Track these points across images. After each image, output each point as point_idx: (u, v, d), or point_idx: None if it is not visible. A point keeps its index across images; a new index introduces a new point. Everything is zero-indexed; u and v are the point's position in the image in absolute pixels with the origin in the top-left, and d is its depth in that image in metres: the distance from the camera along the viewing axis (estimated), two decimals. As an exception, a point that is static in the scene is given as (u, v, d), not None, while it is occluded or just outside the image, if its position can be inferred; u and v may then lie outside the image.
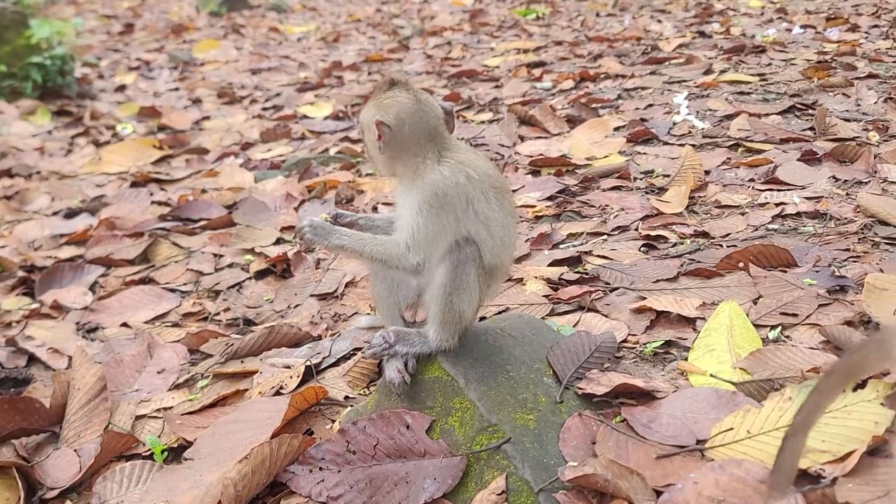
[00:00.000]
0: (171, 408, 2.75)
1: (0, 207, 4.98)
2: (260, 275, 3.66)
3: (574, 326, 2.68)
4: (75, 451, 2.59)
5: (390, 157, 2.23)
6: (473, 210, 2.19)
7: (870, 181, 3.64)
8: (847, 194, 3.55)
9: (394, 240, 2.21)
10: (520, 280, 3.08)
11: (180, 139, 6.22)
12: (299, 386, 2.68)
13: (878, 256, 2.94)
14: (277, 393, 2.69)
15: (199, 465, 2.43)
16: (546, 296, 2.95)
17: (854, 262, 2.92)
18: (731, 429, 2.04)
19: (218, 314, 3.39)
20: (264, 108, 7.10)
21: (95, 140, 6.53)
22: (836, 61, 6.00)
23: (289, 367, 2.82)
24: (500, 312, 2.79)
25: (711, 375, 2.28)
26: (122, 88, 8.48)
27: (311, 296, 3.38)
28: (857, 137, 4.21)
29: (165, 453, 2.52)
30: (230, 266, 3.79)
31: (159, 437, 2.61)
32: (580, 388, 2.27)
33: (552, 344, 2.39)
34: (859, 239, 3.08)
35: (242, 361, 2.96)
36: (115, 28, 12.24)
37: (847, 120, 4.52)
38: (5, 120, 7.00)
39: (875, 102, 4.83)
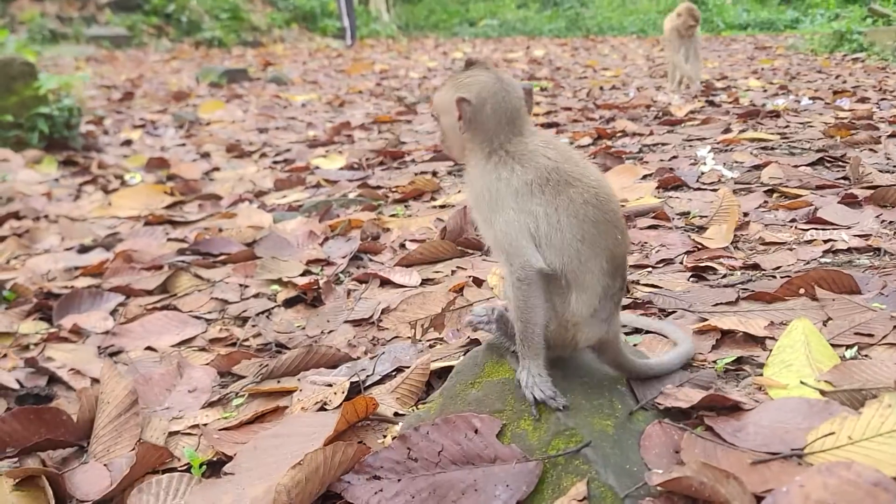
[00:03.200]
0: (205, 425, 2.59)
1: (10, 244, 4.84)
2: (289, 303, 3.52)
3: (635, 346, 2.55)
4: (105, 465, 2.43)
5: (470, 140, 2.10)
6: (520, 206, 2.03)
7: (917, 223, 3.57)
8: (895, 233, 3.46)
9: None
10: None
11: (191, 186, 6.12)
12: (344, 402, 2.53)
13: (942, 286, 2.84)
14: (321, 409, 2.54)
15: (240, 478, 2.27)
16: (598, 319, 2.82)
17: (919, 290, 2.82)
18: (832, 433, 1.91)
19: (247, 340, 3.24)
20: (275, 162, 7.02)
21: (104, 187, 6.42)
22: (855, 124, 6.00)
23: (330, 385, 2.67)
24: None
25: (802, 383, 2.15)
26: (128, 143, 8.40)
27: (346, 322, 3.24)
28: (894, 186, 4.14)
29: (203, 467, 2.36)
30: (256, 296, 3.65)
31: (196, 451, 2.45)
32: (658, 403, 2.13)
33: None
34: (920, 272, 2.98)
35: (279, 381, 2.81)
36: (115, 95, 12.21)
37: (880, 171, 4.46)
38: (11, 168, 6.90)
39: (905, 157, 4.79)
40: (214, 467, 2.37)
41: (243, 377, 2.92)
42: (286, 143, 7.90)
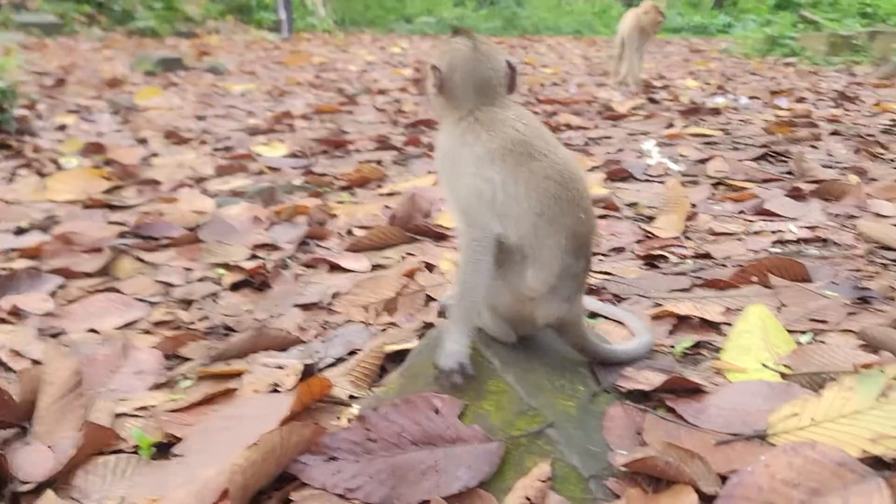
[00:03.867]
0: (153, 406, 2.52)
1: (-60, 227, 4.67)
2: (235, 287, 3.44)
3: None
4: (49, 446, 2.34)
5: (443, 105, 2.11)
6: (479, 172, 2.02)
7: (861, 216, 3.61)
8: (842, 225, 3.50)
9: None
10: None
11: (130, 171, 5.96)
12: (297, 384, 2.48)
13: (892, 276, 2.87)
14: (273, 391, 2.48)
15: (191, 460, 2.21)
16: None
17: (868, 279, 2.85)
18: (795, 415, 1.91)
19: (193, 323, 3.16)
20: (215, 149, 6.88)
21: (39, 171, 6.23)
22: (795, 122, 6.09)
23: (282, 367, 2.62)
24: None
25: (764, 365, 2.15)
26: (62, 128, 8.17)
27: (295, 306, 3.18)
28: (838, 180, 4.20)
29: (152, 449, 2.28)
30: (201, 280, 3.56)
31: (144, 433, 2.37)
32: (620, 386, 2.12)
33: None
34: (867, 262, 3.02)
35: (228, 363, 2.75)
36: (47, 81, 11.91)
37: (823, 166, 4.53)
38: (-62, 150, 6.68)
39: (846, 153, 4.86)
40: (163, 449, 2.29)
41: (191, 359, 2.84)
42: (226, 130, 7.76)
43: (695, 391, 2.10)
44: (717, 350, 2.37)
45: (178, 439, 2.29)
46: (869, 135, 5.46)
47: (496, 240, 2.00)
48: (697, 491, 1.75)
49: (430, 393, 2.07)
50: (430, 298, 3.02)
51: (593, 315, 2.65)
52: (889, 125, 5.83)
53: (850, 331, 2.41)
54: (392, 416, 2.06)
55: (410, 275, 3.16)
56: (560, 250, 2.02)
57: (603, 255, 3.35)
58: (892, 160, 4.66)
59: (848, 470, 1.73)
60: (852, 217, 3.61)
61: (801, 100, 7.78)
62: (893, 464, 1.77)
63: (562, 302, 2.08)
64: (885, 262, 3.01)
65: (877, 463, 1.78)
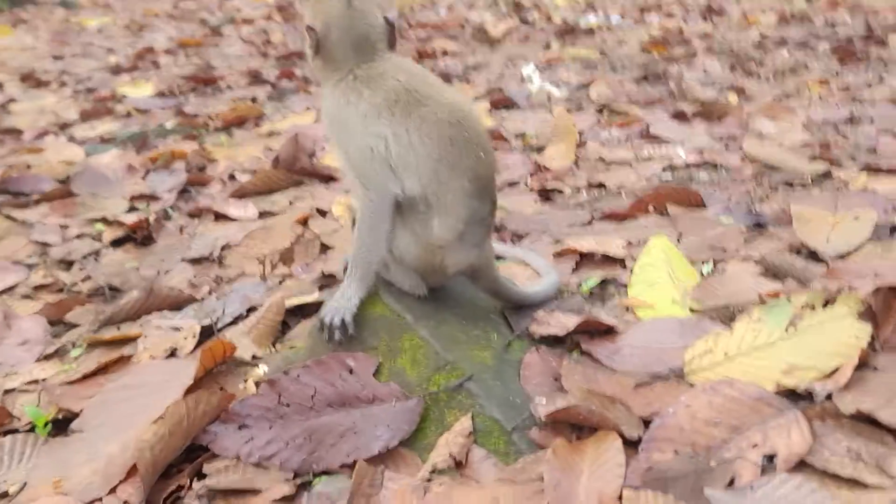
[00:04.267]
0: (44, 380, 2.38)
1: None
2: (117, 243, 3.28)
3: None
4: (-71, 431, 2.19)
5: (321, 66, 2.02)
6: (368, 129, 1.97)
7: (744, 135, 3.66)
8: (727, 147, 3.54)
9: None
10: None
11: (-14, 120, 5.63)
12: (197, 347, 2.38)
13: (781, 197, 2.92)
14: (172, 355, 2.38)
15: (91, 435, 2.09)
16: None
17: (759, 202, 2.89)
18: (710, 351, 1.92)
19: (76, 284, 3.00)
20: (77, 91, 6.55)
21: None
22: (668, 40, 6.13)
23: (179, 329, 2.51)
24: None
25: (674, 302, 2.16)
26: None
27: (183, 260, 3.05)
28: (717, 100, 4.25)
29: (49, 426, 2.16)
30: (79, 237, 3.38)
31: (38, 408, 2.24)
32: (533, 332, 2.09)
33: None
34: (757, 184, 3.06)
35: (119, 328, 2.62)
36: None
37: (701, 84, 4.57)
38: None
39: (722, 71, 4.92)
40: (60, 425, 2.17)
41: (78, 325, 2.70)
42: (86, 70, 7.38)
43: (608, 331, 2.09)
44: (624, 286, 2.36)
45: (76, 414, 2.17)
46: (742, 49, 5.53)
47: (394, 200, 1.95)
48: (622, 436, 1.74)
49: (343, 352, 2.01)
50: (325, 246, 2.93)
51: (497, 257, 2.62)
52: (759, 39, 5.92)
53: (750, 257, 2.44)
54: (304, 378, 1.99)
55: (303, 222, 3.06)
56: (464, 194, 1.98)
57: (497, 189, 3.30)
58: (767, 77, 4.72)
59: (765, 404, 1.75)
60: (736, 138, 3.65)
61: (670, 15, 7.83)
62: (806, 394, 1.79)
63: (471, 248, 2.04)
64: (773, 184, 3.05)
65: (791, 394, 1.80)
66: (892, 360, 1.86)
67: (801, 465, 1.60)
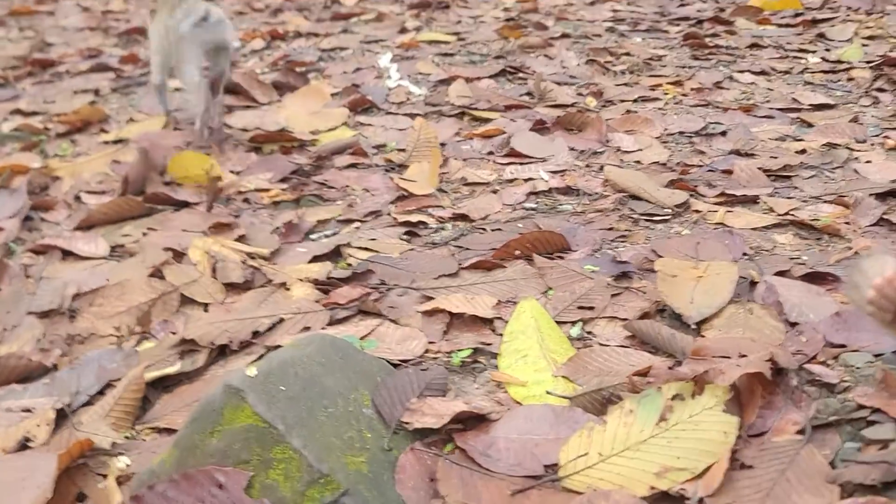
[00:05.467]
0: None
1: None
2: (-45, 289, 3.08)
3: (363, 339, 2.45)
4: None
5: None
6: None
7: (605, 151, 3.68)
8: (587, 166, 3.56)
9: None
10: (283, 285, 2.80)
11: None
12: (52, 434, 2.26)
13: (643, 235, 2.95)
14: (24, 447, 2.25)
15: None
16: (318, 301, 2.69)
17: (622, 241, 2.91)
18: (585, 454, 1.92)
19: None
20: None
21: None
22: (523, 19, 6.10)
23: (30, 411, 2.37)
24: (302, 332, 2.48)
25: (548, 393, 2.15)
26: None
27: (30, 314, 2.88)
28: (577, 103, 4.26)
29: None
30: (-90, 278, 3.16)
31: None
32: (407, 424, 2.05)
33: (373, 380, 2.14)
34: (619, 217, 3.08)
35: (-38, 407, 2.46)
36: None
37: (559, 83, 4.56)
38: None
39: (578, 65, 4.93)
40: None
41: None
42: None
43: (481, 419, 2.07)
44: (494, 356, 2.34)
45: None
46: (595, 34, 5.55)
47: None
48: (501, 555, 1.73)
49: (212, 466, 1.93)
50: (185, 299, 2.82)
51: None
52: (611, 20, 5.95)
53: (617, 317, 2.46)
54: (171, 493, 1.91)
55: (158, 271, 2.92)
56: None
57: (361, 220, 3.24)
58: (622, 70, 4.76)
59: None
60: (596, 153, 3.67)
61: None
62: (679, 496, 1.82)
63: None
64: (635, 216, 3.08)
65: (662, 498, 1.82)
66: (758, 452, 1.90)
67: None
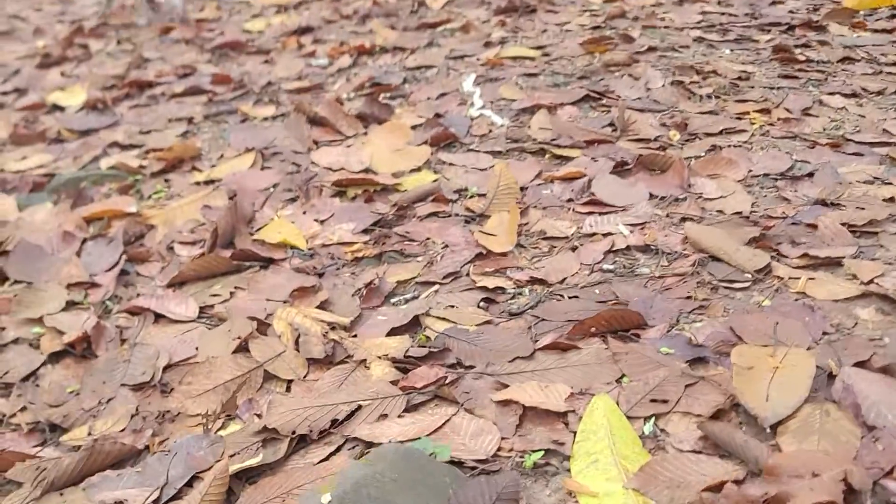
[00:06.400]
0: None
1: None
2: (55, 357, 3.22)
3: (436, 433, 2.50)
4: None
5: None
6: None
7: (686, 198, 3.64)
8: (668, 216, 3.53)
9: None
10: (363, 362, 2.87)
11: None
12: (144, 532, 2.38)
13: (721, 306, 2.92)
14: (118, 545, 2.38)
15: None
16: (395, 381, 2.75)
17: (699, 313, 2.90)
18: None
19: (14, 415, 2.97)
20: (4, 93, 6.31)
21: None
22: (609, 25, 6.03)
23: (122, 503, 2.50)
24: (369, 447, 2.53)
25: (616, 493, 2.18)
26: None
27: (124, 385, 3.01)
28: (660, 136, 4.21)
29: None
30: (16, 342, 3.31)
31: None
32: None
33: (444, 493, 2.20)
34: (697, 283, 3.06)
35: (62, 493, 2.60)
36: None
37: (642, 110, 4.52)
38: None
39: (663, 85, 4.85)
40: None
41: (20, 484, 2.68)
42: (13, 59, 7.06)
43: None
44: (567, 458, 2.37)
45: None
46: (683, 46, 5.46)
47: None
48: None
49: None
50: (268, 374, 2.91)
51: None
52: (700, 27, 5.84)
53: (690, 412, 2.46)
54: None
55: (244, 345, 3.02)
56: None
57: (439, 282, 3.28)
58: (707, 94, 4.68)
59: None
60: (677, 200, 3.64)
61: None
62: None
63: None
64: (714, 283, 3.05)
65: None
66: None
67: None
